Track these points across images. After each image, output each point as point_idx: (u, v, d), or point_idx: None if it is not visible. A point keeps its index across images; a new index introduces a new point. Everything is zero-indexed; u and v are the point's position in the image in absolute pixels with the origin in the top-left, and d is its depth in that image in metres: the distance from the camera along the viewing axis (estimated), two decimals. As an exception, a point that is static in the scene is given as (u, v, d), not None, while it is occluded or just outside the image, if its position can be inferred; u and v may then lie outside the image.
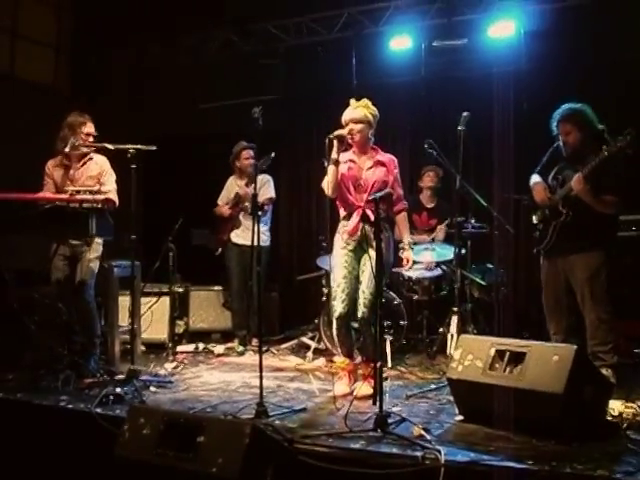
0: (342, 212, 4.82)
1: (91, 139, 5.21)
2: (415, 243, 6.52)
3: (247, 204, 6.66)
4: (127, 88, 8.39)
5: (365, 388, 4.43)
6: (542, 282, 4.79)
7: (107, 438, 3.62)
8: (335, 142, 4.58)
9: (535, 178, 4.85)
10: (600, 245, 4.45)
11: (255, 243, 4.20)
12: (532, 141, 6.70)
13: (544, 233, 4.69)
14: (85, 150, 5.22)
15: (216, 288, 7.43)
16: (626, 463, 3.09)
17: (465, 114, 5.19)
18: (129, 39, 8.21)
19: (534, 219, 4.85)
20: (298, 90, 8.21)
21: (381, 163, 4.74)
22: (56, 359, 4.97)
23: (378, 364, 3.83)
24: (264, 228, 6.74)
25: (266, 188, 6.72)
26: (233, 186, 6.92)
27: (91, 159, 5.29)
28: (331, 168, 4.63)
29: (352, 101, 4.74)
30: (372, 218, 4.55)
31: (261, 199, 6.19)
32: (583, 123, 4.53)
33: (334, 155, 4.61)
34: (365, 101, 4.73)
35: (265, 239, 6.73)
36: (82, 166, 5.26)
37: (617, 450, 3.29)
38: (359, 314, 4.64)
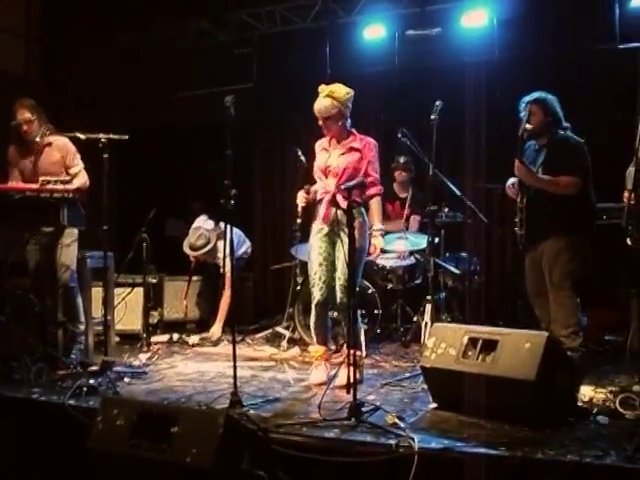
0: (317, 198, 4.80)
1: (35, 125, 5.15)
2: (387, 232, 6.57)
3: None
4: (99, 77, 8.29)
5: (341, 377, 4.43)
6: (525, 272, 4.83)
7: (80, 430, 3.58)
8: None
9: (509, 181, 4.88)
10: (560, 230, 4.49)
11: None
12: (505, 130, 6.75)
13: (518, 227, 4.71)
14: (45, 143, 5.18)
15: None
16: (596, 447, 3.12)
17: (438, 103, 5.20)
18: (100, 28, 8.10)
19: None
20: (272, 79, 8.19)
21: (355, 149, 4.68)
22: (28, 351, 4.92)
23: (352, 353, 3.85)
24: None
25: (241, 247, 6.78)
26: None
27: (50, 144, 5.20)
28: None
29: (321, 87, 4.64)
30: (342, 204, 4.54)
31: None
32: (549, 110, 4.64)
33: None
34: (331, 88, 4.60)
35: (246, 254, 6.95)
36: (42, 153, 5.19)
37: (587, 435, 3.33)
38: (337, 300, 4.64)
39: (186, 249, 6.81)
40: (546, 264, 4.57)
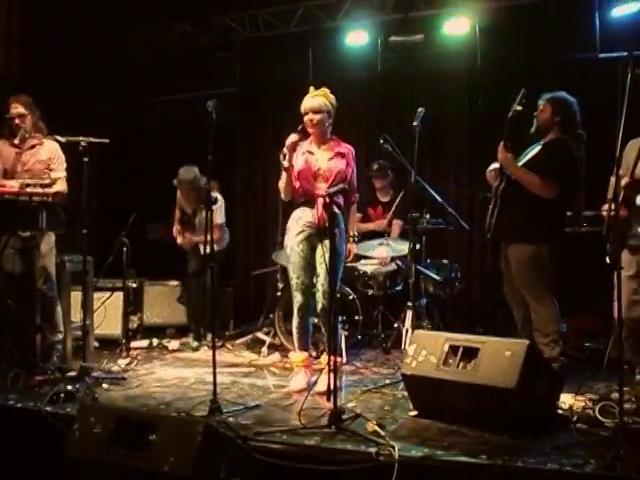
0: (299, 199, 4.74)
1: (28, 121, 5.13)
2: (371, 236, 6.58)
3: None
4: (80, 80, 8.24)
5: (321, 383, 4.42)
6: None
7: (58, 437, 3.55)
8: (288, 151, 4.58)
9: (490, 166, 4.87)
10: (527, 238, 4.43)
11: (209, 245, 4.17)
12: (486, 137, 6.78)
13: (489, 214, 4.68)
14: (36, 141, 5.15)
15: (171, 283, 7.35)
16: (575, 456, 3.13)
17: (420, 110, 5.19)
18: (83, 29, 8.05)
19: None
20: (254, 84, 8.18)
21: (341, 154, 4.70)
22: (5, 356, 4.85)
23: (333, 360, 3.84)
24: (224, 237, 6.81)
25: (216, 213, 6.44)
26: (183, 203, 6.86)
27: (41, 144, 5.19)
28: (284, 175, 4.64)
29: (311, 89, 4.69)
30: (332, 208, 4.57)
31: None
32: (561, 111, 4.55)
33: (285, 163, 4.59)
34: (324, 90, 4.69)
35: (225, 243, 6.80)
36: (31, 149, 5.16)
37: (567, 443, 3.33)
38: (319, 306, 4.62)
39: (175, 182, 6.71)
40: (515, 274, 4.53)
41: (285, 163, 4.59)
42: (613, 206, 3.65)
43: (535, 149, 4.64)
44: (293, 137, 4.58)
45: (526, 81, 6.20)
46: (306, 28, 7.74)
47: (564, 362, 4.40)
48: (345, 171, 4.69)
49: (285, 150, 4.56)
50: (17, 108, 5.11)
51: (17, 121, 5.10)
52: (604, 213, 4.12)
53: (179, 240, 6.73)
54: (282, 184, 4.69)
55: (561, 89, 4.71)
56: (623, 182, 3.88)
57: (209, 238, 4.17)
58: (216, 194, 6.60)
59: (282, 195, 4.75)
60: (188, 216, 6.75)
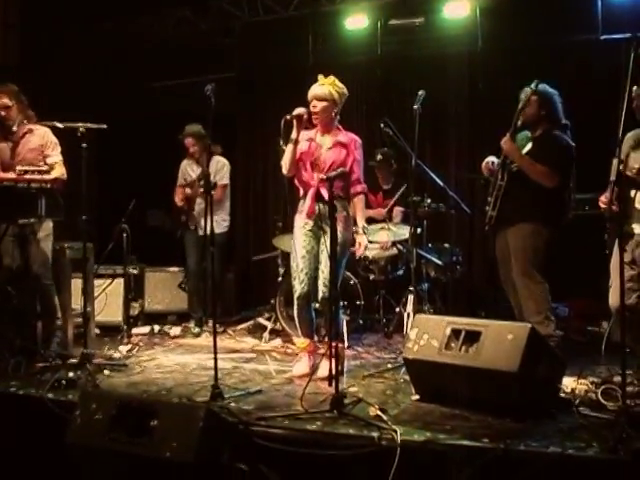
0: (301, 192, 4.73)
1: (14, 112, 5.07)
2: (370, 222, 6.55)
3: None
4: (79, 66, 8.20)
5: (324, 369, 4.41)
6: (496, 258, 4.85)
7: (59, 424, 3.54)
8: (294, 122, 4.53)
9: (488, 158, 4.90)
10: (529, 218, 4.48)
11: (209, 227, 4.15)
12: (487, 120, 6.76)
13: (490, 207, 4.71)
14: (25, 130, 5.11)
15: (172, 269, 7.35)
16: (578, 439, 3.12)
17: (420, 93, 5.16)
18: (81, 16, 8.00)
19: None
20: (253, 69, 8.13)
21: (342, 144, 4.63)
22: (6, 344, 4.85)
23: (334, 344, 3.83)
24: (223, 215, 6.71)
25: (221, 174, 6.63)
26: (186, 169, 6.84)
27: (31, 131, 5.14)
28: (289, 147, 4.58)
29: (320, 77, 4.63)
30: (327, 197, 4.49)
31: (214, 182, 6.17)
32: (545, 103, 4.60)
33: (293, 134, 4.55)
34: (332, 78, 4.62)
35: (224, 225, 6.72)
36: (22, 139, 5.11)
37: (569, 426, 3.33)
38: (320, 294, 4.59)
39: (180, 137, 6.72)
40: (512, 252, 4.57)
41: (293, 135, 4.54)
42: (611, 194, 3.66)
43: (527, 146, 4.66)
44: (301, 109, 4.55)
45: (527, 63, 6.19)
46: (305, 12, 7.69)
47: (560, 336, 4.40)
48: (343, 162, 4.59)
49: (288, 117, 4.51)
50: (2, 99, 5.04)
51: (3, 113, 5.04)
52: (602, 205, 4.14)
53: (186, 191, 6.70)
54: (286, 158, 4.61)
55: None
56: None
57: (211, 234, 4.17)
58: (222, 160, 6.70)
59: (284, 170, 4.66)
60: (193, 181, 6.74)
